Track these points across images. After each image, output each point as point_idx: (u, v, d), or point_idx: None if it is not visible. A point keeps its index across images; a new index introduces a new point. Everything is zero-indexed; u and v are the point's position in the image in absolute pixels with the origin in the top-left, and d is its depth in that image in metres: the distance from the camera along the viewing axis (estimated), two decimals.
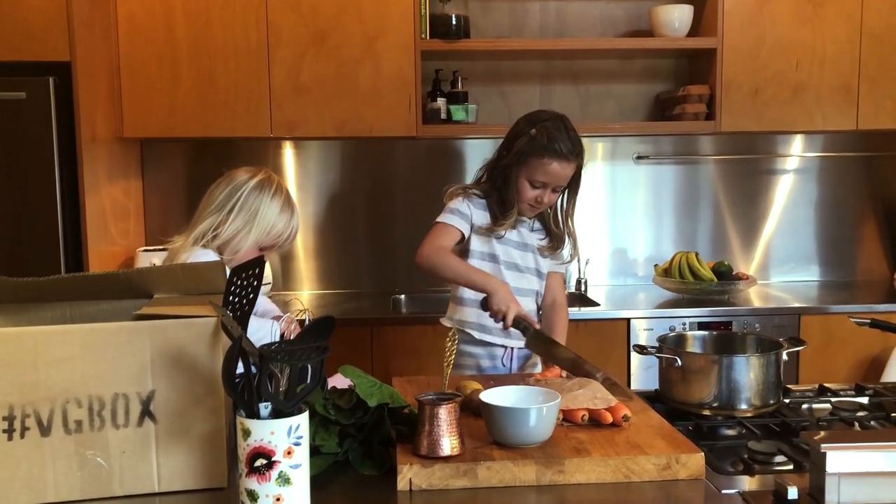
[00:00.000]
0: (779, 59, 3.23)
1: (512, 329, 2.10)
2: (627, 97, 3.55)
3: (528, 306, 2.17)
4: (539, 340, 1.88)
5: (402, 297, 3.35)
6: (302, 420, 1.22)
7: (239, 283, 1.29)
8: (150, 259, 3.03)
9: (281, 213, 1.85)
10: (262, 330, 1.80)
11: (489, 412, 1.41)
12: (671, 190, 3.61)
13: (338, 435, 1.45)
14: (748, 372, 1.68)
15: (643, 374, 2.99)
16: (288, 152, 3.45)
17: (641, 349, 1.81)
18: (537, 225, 2.22)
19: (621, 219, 3.60)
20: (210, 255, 1.77)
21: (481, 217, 2.14)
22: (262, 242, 1.85)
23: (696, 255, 3.20)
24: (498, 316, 1.94)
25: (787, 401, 1.82)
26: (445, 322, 2.25)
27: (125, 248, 3.15)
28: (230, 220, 1.82)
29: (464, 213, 2.13)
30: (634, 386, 2.97)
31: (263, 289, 3.24)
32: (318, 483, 1.36)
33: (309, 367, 1.27)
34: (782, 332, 3.02)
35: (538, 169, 2.04)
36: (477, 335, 2.16)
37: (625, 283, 3.60)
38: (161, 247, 3.06)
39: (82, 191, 2.78)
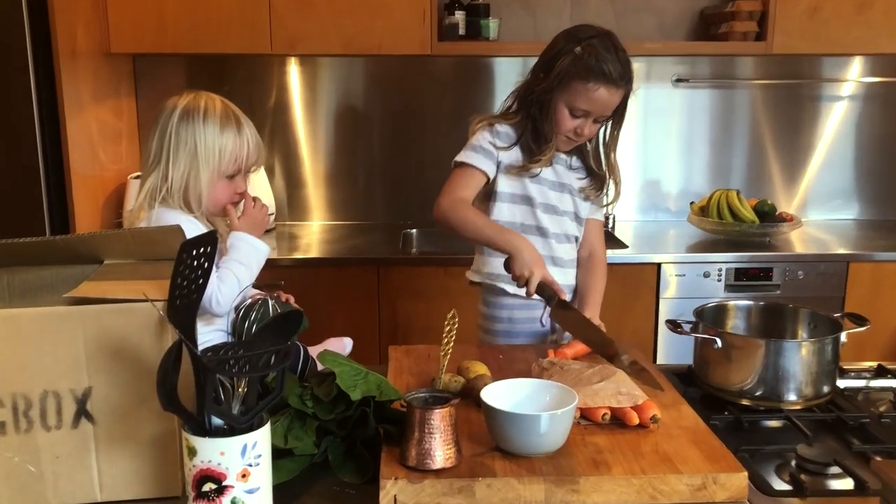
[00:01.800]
0: None
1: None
2: (668, 12, 3.18)
3: (570, 254, 1.92)
4: (564, 313, 1.63)
5: (414, 231, 3.10)
6: (260, 436, 1.01)
7: (189, 261, 1.05)
8: None
9: (222, 132, 1.54)
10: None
11: (492, 416, 1.18)
12: (711, 117, 3.27)
13: (315, 432, 1.24)
14: (800, 359, 1.44)
15: None
16: (293, 70, 3.15)
17: (675, 326, 1.57)
18: (576, 162, 1.92)
19: (655, 148, 3.28)
20: (175, 215, 1.51)
21: (510, 154, 1.85)
22: (223, 171, 1.55)
23: (738, 193, 2.90)
24: (521, 281, 1.69)
25: (841, 385, 1.57)
26: (472, 277, 1.97)
27: (117, 174, 2.92)
28: (171, 167, 1.53)
29: (488, 151, 1.84)
30: (662, 348, 2.74)
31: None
32: (289, 492, 1.16)
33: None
34: (828, 281, 2.76)
35: (581, 94, 1.74)
36: (511, 289, 1.88)
37: (655, 219, 3.32)
38: None
39: (62, 111, 2.53)
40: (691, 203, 3.07)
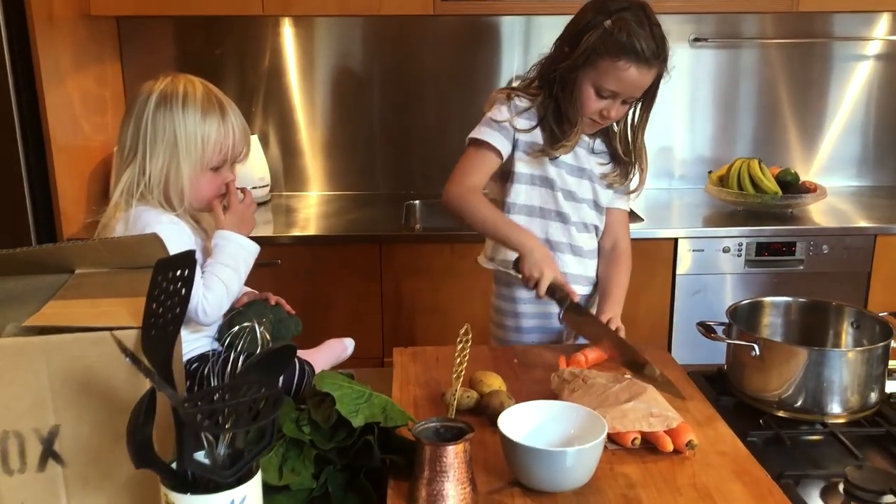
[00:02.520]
0: None
1: (570, 273, 1.73)
2: None
3: (589, 244, 1.77)
4: (578, 318, 1.50)
5: (417, 203, 2.95)
6: (250, 489, 0.88)
7: (164, 285, 0.92)
8: None
9: (204, 119, 1.36)
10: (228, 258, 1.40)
11: (511, 449, 1.06)
12: (727, 79, 3.09)
13: (313, 462, 1.11)
14: (846, 370, 1.31)
15: (688, 301, 2.62)
16: (287, 32, 2.97)
17: (708, 331, 1.43)
18: (599, 146, 1.76)
19: (668, 112, 3.10)
20: (155, 214, 1.35)
21: (530, 133, 1.69)
22: (207, 163, 1.39)
23: (759, 162, 2.74)
24: (530, 282, 1.55)
25: (889, 390, 1.44)
26: (484, 263, 1.82)
27: (103, 145, 2.76)
28: (149, 160, 1.36)
29: (504, 127, 1.67)
30: (678, 328, 2.61)
31: (260, 192, 2.88)
32: None
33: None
34: (854, 256, 2.62)
35: (609, 74, 1.57)
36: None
37: (669, 187, 3.16)
38: None
39: (39, 81, 2.37)
40: (709, 172, 2.91)
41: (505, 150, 1.68)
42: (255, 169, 2.88)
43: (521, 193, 1.71)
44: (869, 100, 3.13)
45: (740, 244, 2.61)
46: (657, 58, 1.56)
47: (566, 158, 1.70)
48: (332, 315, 2.54)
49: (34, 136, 2.43)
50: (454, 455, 1.01)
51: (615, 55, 1.54)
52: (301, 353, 1.48)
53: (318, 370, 1.47)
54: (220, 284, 1.34)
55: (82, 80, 2.64)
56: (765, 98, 3.11)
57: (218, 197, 1.44)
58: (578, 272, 1.73)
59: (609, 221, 1.79)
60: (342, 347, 1.56)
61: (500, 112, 1.68)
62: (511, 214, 1.72)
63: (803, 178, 2.90)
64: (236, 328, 1.22)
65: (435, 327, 2.58)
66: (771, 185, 2.70)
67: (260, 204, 2.90)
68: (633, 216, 2.72)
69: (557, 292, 1.53)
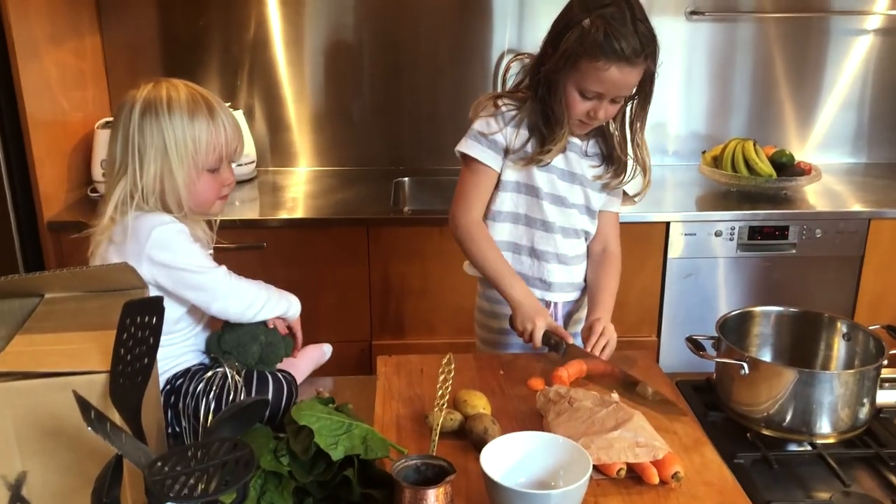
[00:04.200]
0: None
1: (555, 282, 1.71)
2: None
3: (576, 250, 1.73)
4: (577, 356, 1.48)
5: (406, 181, 2.89)
6: None
7: (132, 330, 0.88)
8: None
9: (192, 120, 1.31)
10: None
11: (494, 489, 1.03)
12: (721, 53, 3.01)
13: (292, 494, 1.09)
14: (835, 390, 1.29)
15: (679, 284, 2.60)
16: (273, 1, 2.86)
17: (697, 347, 1.41)
18: (592, 149, 1.71)
19: (664, 86, 3.00)
20: (155, 216, 1.31)
21: (519, 141, 1.63)
22: (202, 165, 1.34)
23: (754, 143, 2.69)
24: (525, 335, 1.55)
25: (880, 400, 1.42)
26: (470, 270, 1.77)
27: (83, 121, 2.69)
28: (141, 171, 1.31)
29: (494, 142, 1.63)
30: (668, 313, 2.60)
31: (246, 168, 2.82)
32: None
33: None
34: (848, 240, 2.59)
35: (590, 75, 1.50)
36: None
37: (662, 163, 3.11)
38: None
39: (13, 56, 2.29)
40: (703, 152, 2.86)
41: (498, 166, 1.66)
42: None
43: (506, 201, 1.68)
44: (866, 75, 3.07)
45: (733, 228, 2.57)
46: (639, 55, 1.48)
47: (558, 163, 1.65)
48: (319, 299, 2.50)
49: (10, 114, 2.36)
50: (434, 498, 0.98)
51: (593, 55, 1.47)
52: (280, 364, 1.46)
53: (299, 380, 1.45)
54: (259, 295, 1.38)
55: (59, 54, 2.55)
56: (761, 73, 3.04)
57: (220, 197, 1.40)
58: (564, 280, 1.70)
59: (600, 225, 1.74)
60: (321, 353, 1.55)
61: (489, 124, 1.64)
62: (497, 222, 1.68)
63: (798, 153, 2.86)
64: (210, 373, 1.19)
65: (423, 311, 2.56)
66: (765, 167, 2.65)
67: (245, 181, 2.84)
68: (628, 198, 2.68)
69: (553, 339, 1.52)
